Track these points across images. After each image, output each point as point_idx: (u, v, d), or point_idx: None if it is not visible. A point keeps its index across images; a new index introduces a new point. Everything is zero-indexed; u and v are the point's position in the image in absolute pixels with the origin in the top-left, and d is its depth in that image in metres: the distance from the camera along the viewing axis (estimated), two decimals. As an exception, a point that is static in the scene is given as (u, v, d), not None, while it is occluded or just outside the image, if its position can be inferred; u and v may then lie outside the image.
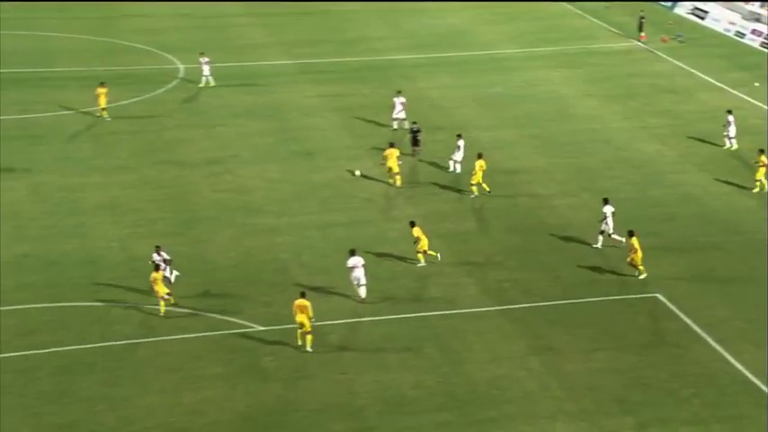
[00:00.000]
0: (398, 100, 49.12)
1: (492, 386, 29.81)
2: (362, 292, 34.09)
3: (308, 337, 31.20)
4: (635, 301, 34.47)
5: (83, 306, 33.46)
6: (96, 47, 61.49)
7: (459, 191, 42.74)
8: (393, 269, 36.48)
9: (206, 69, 54.18)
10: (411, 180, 44.01)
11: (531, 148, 48.08)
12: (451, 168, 44.31)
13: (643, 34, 64.44)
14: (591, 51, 63.27)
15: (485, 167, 41.83)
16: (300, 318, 31.09)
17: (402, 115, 48.94)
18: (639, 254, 35.00)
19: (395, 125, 48.97)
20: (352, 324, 33.16)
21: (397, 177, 42.95)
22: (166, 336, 32.03)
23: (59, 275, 35.55)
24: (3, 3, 61.34)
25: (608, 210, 37.43)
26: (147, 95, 53.42)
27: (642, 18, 64.83)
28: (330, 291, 34.87)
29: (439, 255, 36.52)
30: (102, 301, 33.25)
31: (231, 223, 39.91)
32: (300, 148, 47.36)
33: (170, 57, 59.31)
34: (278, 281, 35.35)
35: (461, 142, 44.31)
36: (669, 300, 34.33)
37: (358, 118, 50.84)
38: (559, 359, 31.09)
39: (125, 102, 52.27)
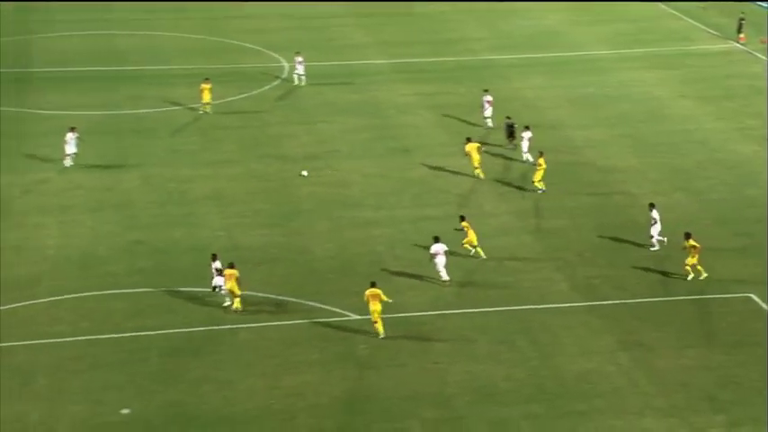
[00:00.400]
0: (486, 99, 48.99)
1: (581, 380, 29.51)
2: (444, 275, 34.43)
3: (380, 324, 31.46)
4: (727, 300, 33.67)
5: (189, 291, 34.29)
6: (206, 46, 62.79)
7: (550, 187, 42.34)
8: (485, 263, 36.38)
9: (300, 68, 54.78)
10: (503, 177, 43.77)
11: (623, 147, 47.33)
12: (524, 159, 44.45)
13: (742, 36, 62.62)
14: (687, 53, 61.83)
15: (544, 166, 41.48)
16: (374, 306, 31.28)
17: (488, 113, 48.79)
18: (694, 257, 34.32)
19: (489, 123, 48.83)
20: (444, 315, 33.21)
21: (479, 170, 42.93)
22: (266, 322, 32.58)
23: (168, 262, 36.49)
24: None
25: (655, 215, 36.80)
26: (253, 92, 54.34)
27: (742, 20, 62.96)
28: (423, 282, 34.99)
29: (483, 254, 36.10)
30: (207, 287, 34.00)
31: (329, 216, 40.35)
32: (397, 145, 47.56)
33: (275, 55, 60.19)
34: (372, 272, 35.56)
35: (528, 134, 44.33)
36: (762, 300, 33.43)
37: (453, 116, 50.78)
38: (649, 355, 30.59)
39: (232, 98, 53.27)
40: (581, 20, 69.20)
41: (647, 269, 35.66)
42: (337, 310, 33.28)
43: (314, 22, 68.20)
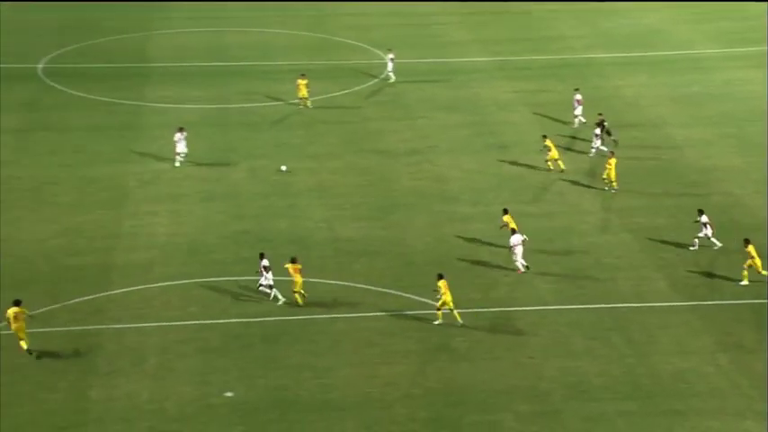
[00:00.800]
0: (576, 97, 48.19)
1: (678, 379, 28.75)
2: (521, 265, 34.49)
3: (456, 313, 31.47)
4: (830, 305, 32.33)
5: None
6: (311, 42, 63.36)
7: (652, 186, 41.34)
8: (582, 260, 35.77)
9: (390, 65, 54.69)
10: (601, 175, 42.91)
11: (726, 147, 45.89)
12: (592, 154, 44.20)
13: None
14: (794, 52, 59.57)
15: (612, 165, 40.78)
16: (448, 296, 31.22)
17: (578, 111, 47.95)
18: (758, 261, 33.16)
19: (579, 121, 47.98)
20: (540, 311, 32.78)
21: (560, 162, 42.88)
22: (364, 312, 32.71)
23: (272, 251, 36.90)
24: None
25: (704, 219, 36.07)
26: (355, 88, 54.60)
27: None
28: (518, 278, 34.59)
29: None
30: (308, 276, 34.33)
31: (428, 210, 40.26)
32: (495, 141, 47.14)
33: (378, 52, 60.35)
34: (469, 266, 35.40)
35: (597, 130, 43.97)
36: None
37: (551, 114, 50.03)
38: (750, 358, 29.60)
39: (335, 93, 53.64)
40: (683, 18, 67.34)
41: (748, 271, 34.46)
42: (435, 302, 33.13)
43: (417, 19, 68.11)
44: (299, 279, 32.90)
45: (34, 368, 29.34)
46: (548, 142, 43.31)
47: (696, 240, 36.17)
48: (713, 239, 36.18)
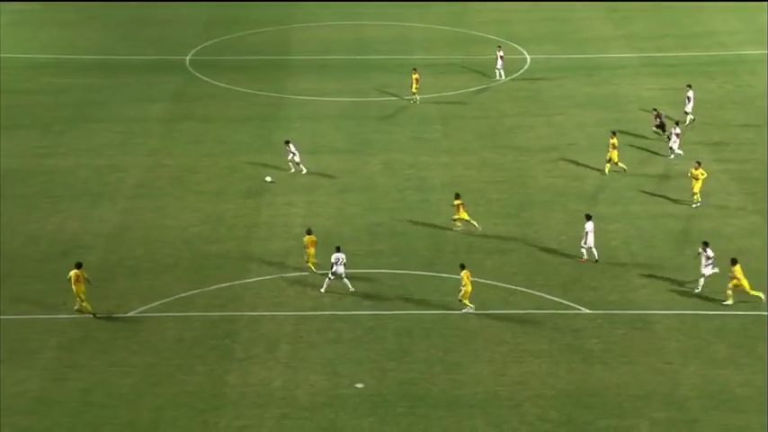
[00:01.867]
0: (688, 94, 46.37)
1: (827, 395, 27.35)
2: (586, 252, 34.42)
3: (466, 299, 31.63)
4: None
5: (423, 275, 34.78)
6: (450, 36, 63.27)
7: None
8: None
9: (499, 62, 53.80)
10: (749, 175, 41.18)
11: None
12: (673, 156, 42.97)
13: None
14: None
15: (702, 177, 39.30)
16: (469, 288, 31.48)
17: (689, 108, 46.09)
18: (744, 282, 31.07)
19: (687, 120, 46.17)
20: (679, 316, 31.76)
21: (619, 164, 41.86)
22: (496, 310, 32.47)
23: (404, 245, 37.17)
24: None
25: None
26: (494, 83, 54.21)
27: None
28: (657, 281, 33.60)
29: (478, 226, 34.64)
30: (439, 272, 34.32)
31: (564, 208, 39.62)
32: (634, 140, 45.89)
33: (518, 47, 59.73)
34: (606, 268, 34.63)
35: (677, 129, 42.64)
36: None
37: (700, 112, 48.30)
38: None
39: (473, 89, 53.40)
40: None
41: None
42: (568, 303, 32.64)
43: (559, 13, 67.03)
44: (311, 251, 33.93)
45: (174, 351, 30.47)
46: (613, 140, 41.81)
47: (582, 250, 34.68)
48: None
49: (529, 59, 57.68)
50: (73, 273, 31.85)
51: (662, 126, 44.78)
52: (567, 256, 35.74)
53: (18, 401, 28.01)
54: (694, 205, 38.93)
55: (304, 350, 30.59)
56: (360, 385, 28.86)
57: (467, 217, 37.03)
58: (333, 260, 33.24)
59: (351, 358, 30.09)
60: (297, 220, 39.28)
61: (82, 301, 31.89)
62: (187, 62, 58.18)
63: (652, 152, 44.49)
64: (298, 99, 52.45)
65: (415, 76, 50.90)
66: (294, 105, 51.65)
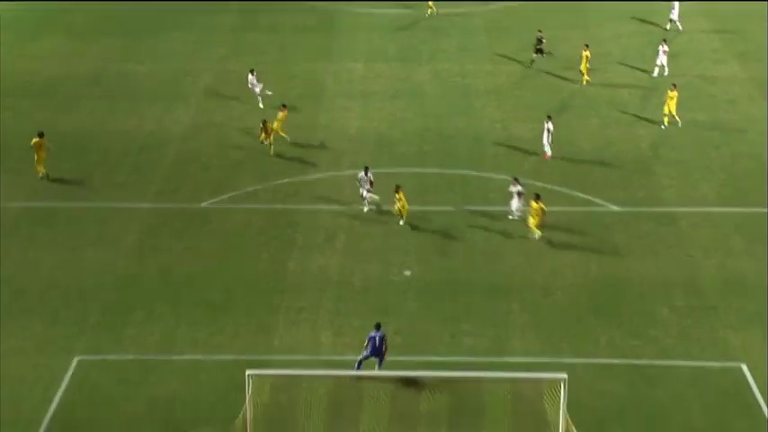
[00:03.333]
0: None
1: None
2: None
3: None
4: None
5: (467, 174, 34.74)
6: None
7: None
8: (747, 164, 33.83)
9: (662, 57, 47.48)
10: None
11: None
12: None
13: None
14: None
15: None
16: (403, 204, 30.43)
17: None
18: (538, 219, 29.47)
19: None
20: (703, 213, 31.44)
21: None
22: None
23: (450, 147, 37.03)
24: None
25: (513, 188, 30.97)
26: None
27: None
28: (685, 180, 33.07)
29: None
30: (482, 171, 34.19)
31: (597, 114, 39.03)
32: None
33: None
34: (635, 167, 34.24)
35: (665, 47, 40.62)
36: None
37: None
38: None
39: (516, 2, 52.05)
40: None
41: None
42: (598, 200, 32.48)
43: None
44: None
45: (240, 238, 31.03)
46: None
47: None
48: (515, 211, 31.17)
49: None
50: (35, 140, 33.37)
51: (540, 51, 43.00)
52: (601, 158, 35.34)
53: (106, 278, 28.92)
54: (663, 126, 37.36)
55: (358, 240, 30.96)
56: (408, 272, 29.25)
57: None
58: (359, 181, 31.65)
59: (400, 249, 30.41)
60: (352, 123, 39.22)
61: (39, 164, 33.44)
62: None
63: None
64: (353, 11, 51.70)
65: None
66: (350, 17, 50.94)
